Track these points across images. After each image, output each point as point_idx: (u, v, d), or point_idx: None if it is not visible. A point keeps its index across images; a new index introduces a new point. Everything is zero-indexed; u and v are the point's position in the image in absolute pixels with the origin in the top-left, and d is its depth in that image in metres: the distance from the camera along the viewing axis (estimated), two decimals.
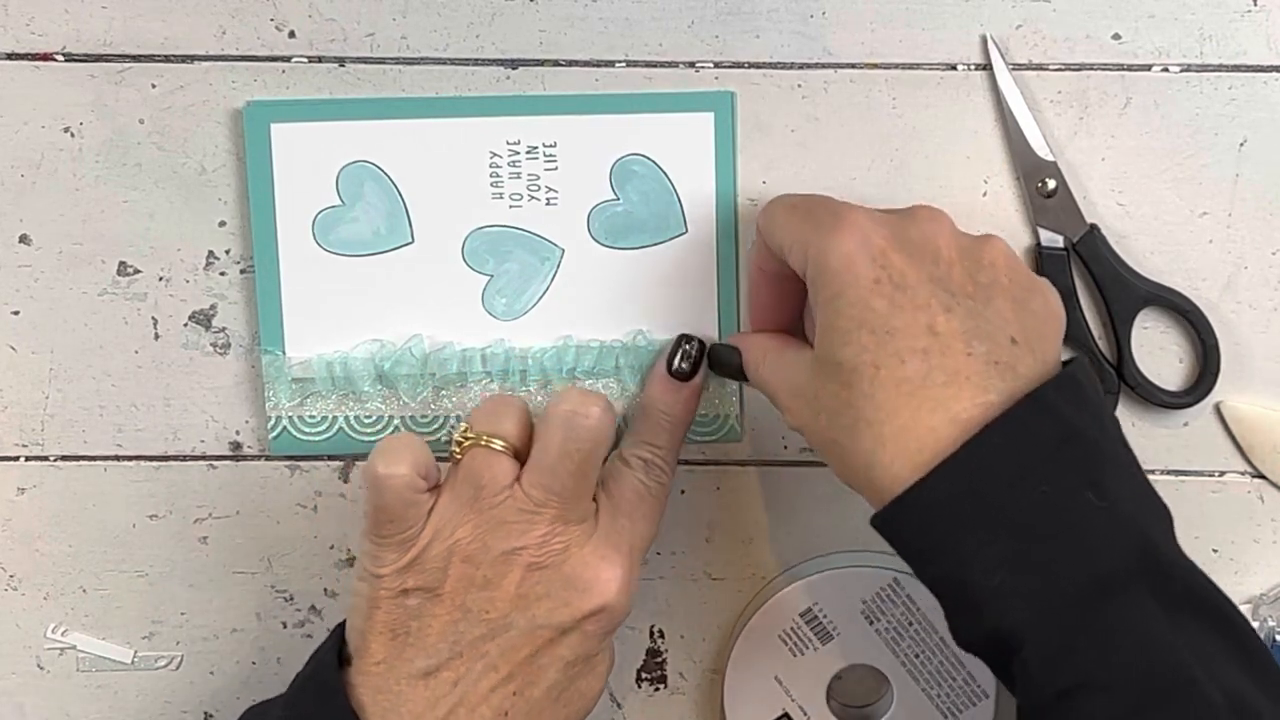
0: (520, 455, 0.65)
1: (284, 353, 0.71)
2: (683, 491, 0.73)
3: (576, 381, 0.71)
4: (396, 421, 0.72)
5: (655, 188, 0.70)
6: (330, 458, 0.73)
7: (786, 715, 0.73)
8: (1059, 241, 0.69)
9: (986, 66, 0.69)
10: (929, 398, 0.58)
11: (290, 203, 0.70)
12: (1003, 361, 0.59)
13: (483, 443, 0.65)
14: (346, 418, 0.72)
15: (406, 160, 0.70)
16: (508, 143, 0.70)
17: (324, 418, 0.72)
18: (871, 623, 0.72)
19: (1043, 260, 0.69)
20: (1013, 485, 0.56)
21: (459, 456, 0.65)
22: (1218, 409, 0.71)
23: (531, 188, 0.70)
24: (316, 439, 0.72)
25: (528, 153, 0.70)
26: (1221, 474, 0.72)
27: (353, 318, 0.71)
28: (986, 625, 0.57)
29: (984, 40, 0.69)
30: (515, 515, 0.64)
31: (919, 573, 0.59)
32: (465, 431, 0.65)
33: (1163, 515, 0.60)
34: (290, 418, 0.72)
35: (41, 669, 0.75)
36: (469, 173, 0.70)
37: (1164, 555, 0.58)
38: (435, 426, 0.72)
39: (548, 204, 0.70)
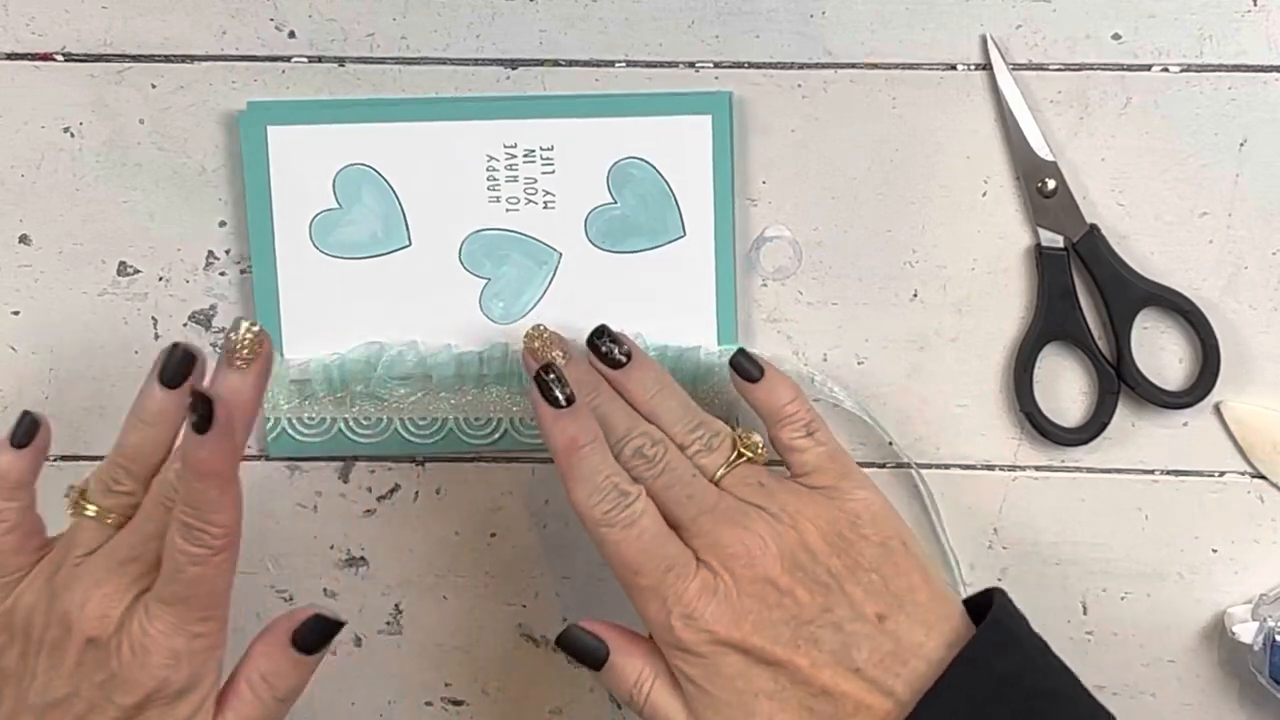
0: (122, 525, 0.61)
1: (282, 355, 0.71)
2: None
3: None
4: (395, 424, 0.72)
5: (653, 191, 0.70)
6: (330, 459, 0.73)
7: None
8: (1059, 241, 0.69)
9: (986, 66, 0.69)
10: None
11: (287, 206, 0.70)
12: (885, 654, 0.60)
13: (90, 513, 0.61)
14: (344, 420, 0.72)
15: (404, 163, 0.70)
16: (505, 146, 0.70)
17: (322, 419, 0.72)
18: None
19: (1043, 260, 0.69)
20: None
21: (70, 514, 0.62)
22: (1218, 409, 0.71)
23: (529, 191, 0.70)
24: (315, 440, 0.72)
25: (525, 156, 0.70)
26: (1221, 474, 0.72)
27: (350, 320, 0.71)
28: None
29: (984, 40, 0.69)
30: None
31: None
32: (83, 496, 0.62)
33: None
34: (288, 419, 0.72)
35: None
36: (466, 176, 0.70)
37: None
38: (433, 429, 0.72)
39: (545, 207, 0.70)
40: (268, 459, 0.72)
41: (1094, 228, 0.69)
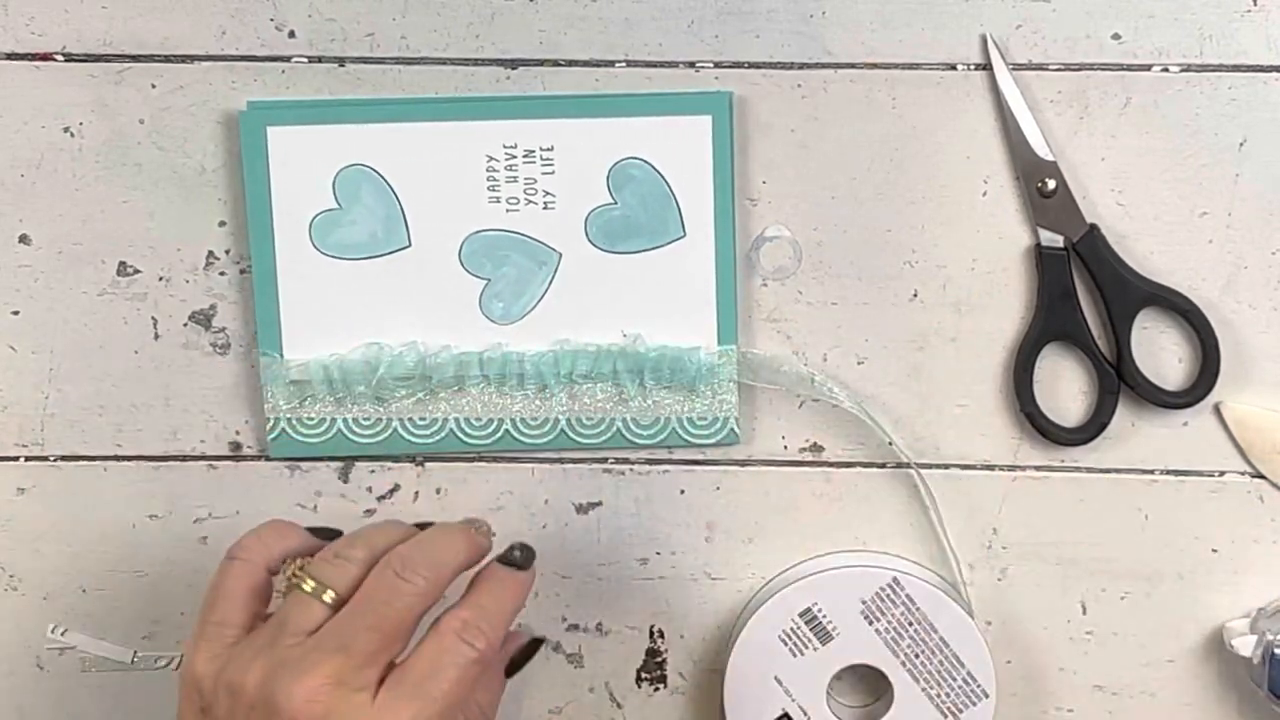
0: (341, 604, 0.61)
1: (281, 355, 0.71)
2: (682, 491, 0.73)
3: (574, 385, 0.71)
4: (394, 424, 0.72)
5: (653, 191, 0.70)
6: (330, 459, 0.73)
7: (786, 715, 0.73)
8: (1059, 241, 0.69)
9: (986, 66, 0.69)
10: None
11: (287, 206, 0.70)
12: None
13: (307, 588, 0.61)
14: (344, 420, 0.72)
15: (403, 164, 0.70)
16: (505, 146, 0.70)
17: (322, 420, 0.72)
18: (871, 622, 0.72)
19: (1043, 260, 0.69)
20: None
21: (282, 593, 0.62)
22: (1218, 409, 0.71)
23: (529, 191, 0.70)
24: (315, 440, 0.72)
25: (525, 156, 0.70)
26: (1221, 474, 0.72)
27: (350, 321, 0.71)
28: None
29: (984, 40, 0.69)
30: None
31: None
32: (300, 569, 0.62)
33: None
34: (289, 419, 0.72)
35: (41, 669, 0.75)
36: (466, 176, 0.70)
37: None
38: (433, 430, 0.72)
39: (545, 208, 0.70)
40: (268, 459, 0.73)
41: (1094, 227, 0.69)
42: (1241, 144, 0.69)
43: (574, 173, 0.70)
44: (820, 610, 0.72)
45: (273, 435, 0.72)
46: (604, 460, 0.73)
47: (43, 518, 0.74)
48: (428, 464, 0.73)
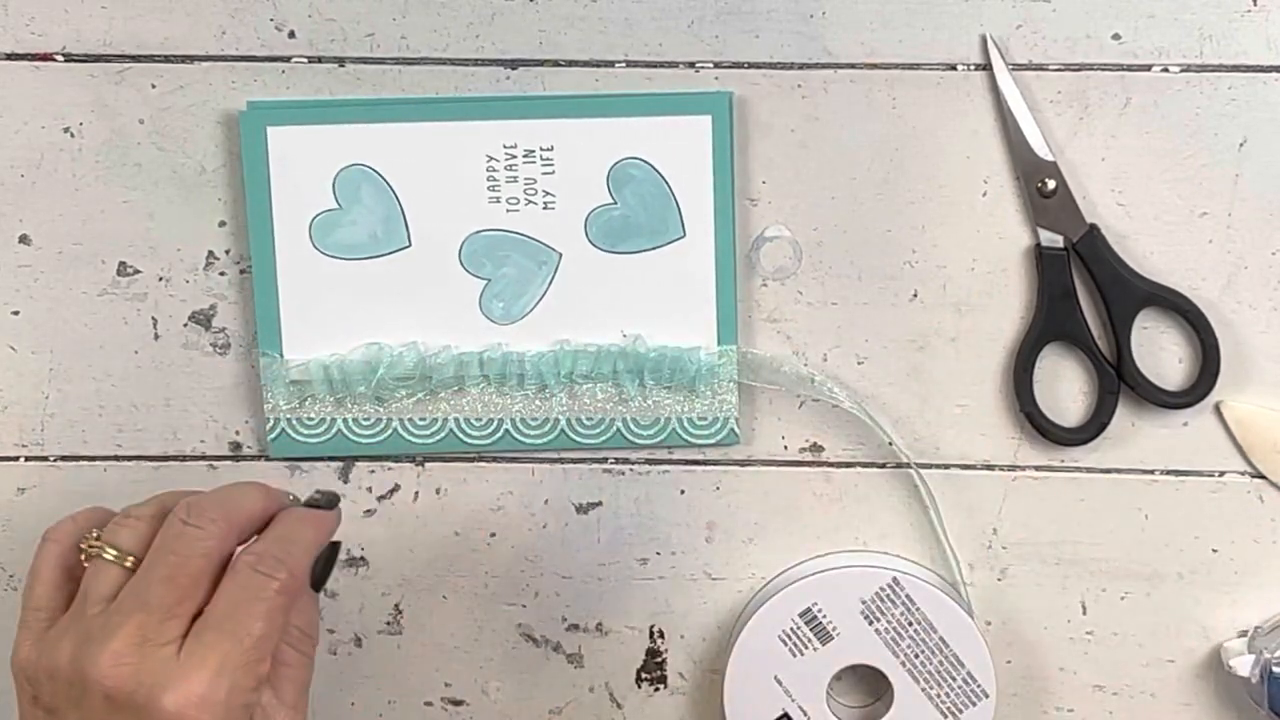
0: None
1: (281, 355, 0.71)
2: (682, 491, 0.73)
3: (574, 385, 0.71)
4: (395, 424, 0.72)
5: (653, 191, 0.70)
6: (330, 459, 0.73)
7: (786, 715, 0.73)
8: (1059, 241, 0.69)
9: (986, 67, 0.69)
10: None
11: (287, 206, 0.70)
12: None
13: (104, 555, 0.59)
14: (345, 420, 0.72)
15: (403, 164, 0.70)
16: (504, 146, 0.70)
17: (322, 420, 0.72)
18: (871, 622, 0.72)
19: (1043, 260, 0.69)
20: None
21: (84, 562, 0.60)
22: (1218, 409, 0.71)
23: (529, 191, 0.70)
24: (315, 441, 0.72)
25: (525, 156, 0.70)
26: (1221, 474, 0.72)
27: (350, 321, 0.71)
28: None
29: (984, 40, 0.69)
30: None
31: None
32: (92, 540, 0.60)
33: None
34: (289, 420, 0.72)
35: None
36: (466, 176, 0.70)
37: None
38: (433, 430, 0.72)
39: (545, 208, 0.70)
40: (268, 459, 0.72)
41: (1094, 227, 0.69)
42: (1241, 144, 0.69)
43: (574, 173, 0.70)
44: (820, 610, 0.72)
45: (273, 435, 0.72)
46: (604, 460, 0.73)
47: (43, 518, 0.73)
48: (428, 464, 0.73)
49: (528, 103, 0.70)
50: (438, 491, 0.73)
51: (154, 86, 0.70)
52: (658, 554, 0.74)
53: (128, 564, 0.58)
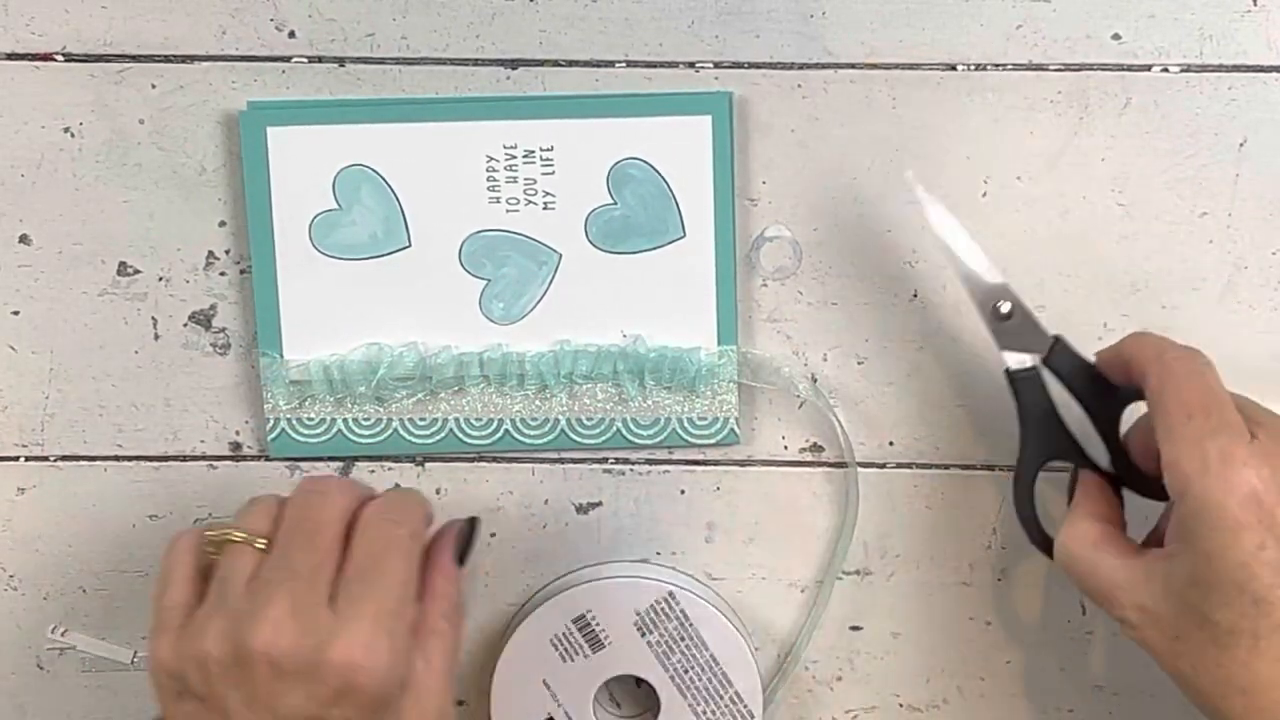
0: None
1: (281, 355, 0.71)
2: (682, 491, 0.73)
3: (574, 386, 0.71)
4: (395, 424, 0.72)
5: (653, 191, 0.70)
6: (330, 459, 0.73)
7: (551, 719, 0.73)
8: (1028, 361, 0.67)
9: (986, 67, 0.69)
10: None
11: (287, 206, 0.70)
12: None
13: (237, 538, 0.61)
14: (344, 420, 0.72)
15: (403, 164, 0.70)
16: (505, 146, 0.70)
17: (322, 420, 0.72)
18: (644, 634, 0.72)
19: (1016, 384, 0.67)
20: None
21: (215, 556, 0.62)
22: None
23: (529, 192, 0.70)
24: (315, 441, 0.72)
25: (525, 157, 0.70)
26: None
27: (350, 321, 0.71)
28: None
29: (909, 180, 0.66)
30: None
31: None
32: (218, 531, 0.62)
33: None
34: (289, 419, 0.72)
35: (41, 669, 0.75)
36: (466, 177, 0.70)
37: None
38: (433, 430, 0.72)
39: (545, 208, 0.70)
40: (268, 459, 0.73)
41: (1058, 340, 0.67)
42: (1241, 144, 0.69)
43: (574, 173, 0.70)
44: (594, 618, 0.72)
45: (273, 435, 0.72)
46: (604, 460, 0.73)
47: (43, 518, 0.74)
48: (428, 464, 0.73)
49: (528, 103, 0.70)
50: (438, 491, 0.73)
51: (154, 86, 0.70)
52: (658, 554, 0.74)
53: (259, 545, 0.61)
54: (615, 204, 0.70)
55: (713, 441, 0.72)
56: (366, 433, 0.72)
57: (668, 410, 0.72)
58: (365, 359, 0.71)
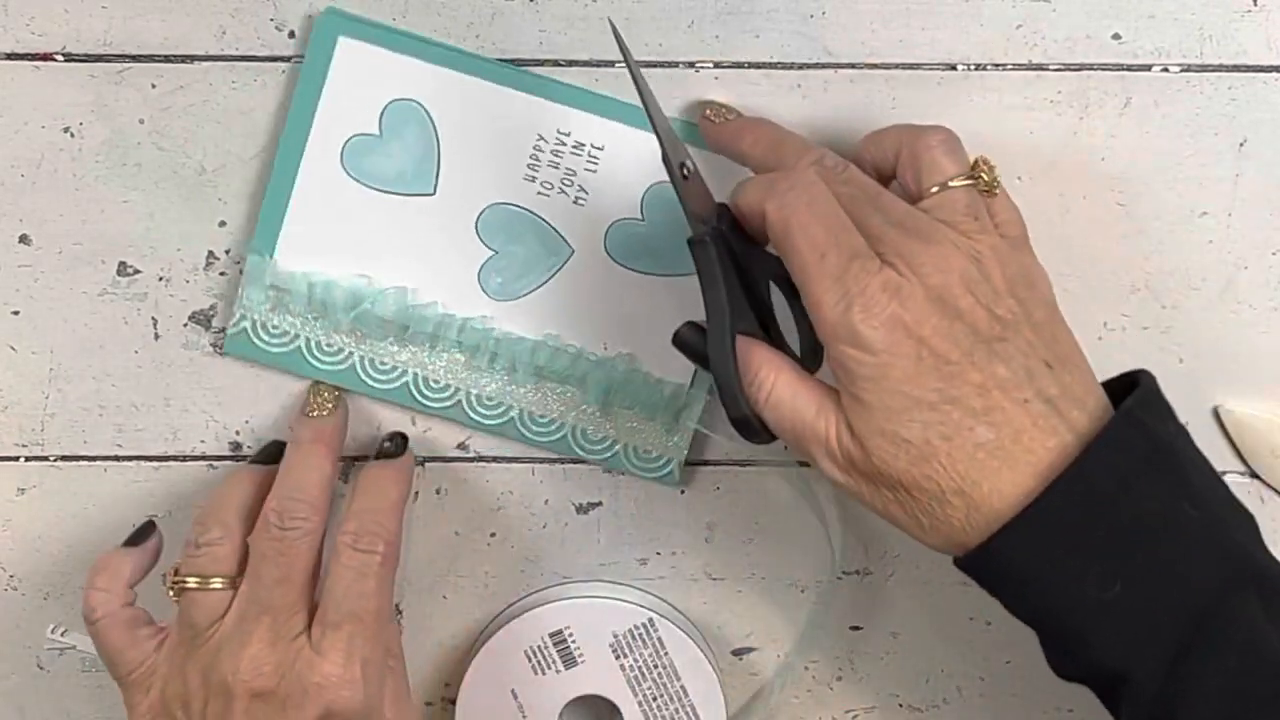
0: (236, 583, 0.65)
1: (272, 257, 0.70)
2: (682, 491, 0.73)
3: (541, 380, 0.71)
4: (354, 360, 0.71)
5: (682, 224, 0.66)
6: (283, 371, 0.71)
7: None
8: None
9: (985, 67, 0.69)
10: (1007, 457, 0.57)
11: (329, 118, 0.69)
12: (1053, 394, 0.58)
13: (191, 585, 0.65)
14: (308, 339, 0.71)
15: (456, 115, 0.69)
16: (559, 131, 0.69)
17: (285, 332, 0.71)
18: (619, 657, 0.72)
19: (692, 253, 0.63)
20: (1114, 503, 0.56)
21: (175, 600, 0.65)
22: (1216, 412, 0.71)
23: (565, 182, 0.69)
24: (273, 350, 0.71)
25: (574, 148, 0.69)
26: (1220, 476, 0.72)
27: (348, 248, 0.70)
28: (1093, 653, 0.57)
29: (612, 27, 0.64)
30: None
31: (1016, 607, 0.59)
32: (176, 574, 0.65)
33: (1248, 519, 0.59)
34: (254, 320, 0.71)
35: (41, 669, 0.75)
36: (511, 148, 0.69)
37: (1259, 562, 0.58)
38: (390, 378, 0.71)
39: (575, 202, 0.70)
40: (224, 355, 0.72)
41: (723, 206, 0.63)
42: (1241, 144, 0.69)
43: (615, 178, 0.69)
44: (571, 635, 0.72)
45: (233, 331, 0.71)
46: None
47: (43, 518, 0.74)
48: (428, 464, 0.73)
49: (599, 99, 0.69)
50: (438, 491, 0.73)
51: (154, 86, 0.70)
52: (658, 554, 0.74)
53: (217, 585, 0.64)
54: (642, 220, 0.70)
55: (652, 476, 0.72)
56: (326, 359, 0.71)
57: (617, 432, 0.72)
58: (351, 289, 0.70)
